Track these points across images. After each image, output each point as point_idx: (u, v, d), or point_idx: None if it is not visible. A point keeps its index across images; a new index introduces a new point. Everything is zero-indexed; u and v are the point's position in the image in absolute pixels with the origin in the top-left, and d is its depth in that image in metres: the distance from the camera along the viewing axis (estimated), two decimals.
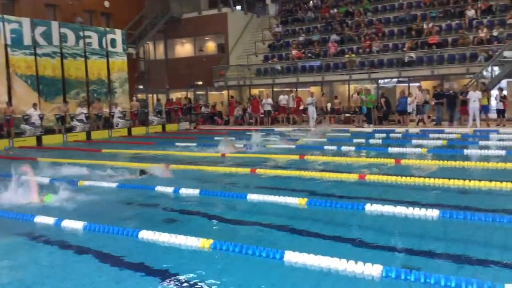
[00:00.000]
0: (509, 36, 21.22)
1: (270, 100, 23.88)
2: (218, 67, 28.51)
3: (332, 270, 4.37)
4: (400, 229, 5.74)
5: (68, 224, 6.21)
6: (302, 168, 9.99)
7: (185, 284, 4.23)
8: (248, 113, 24.72)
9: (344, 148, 13.35)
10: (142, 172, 9.56)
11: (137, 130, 22.76)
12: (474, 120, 18.65)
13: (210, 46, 32.26)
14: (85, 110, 21.79)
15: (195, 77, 29.75)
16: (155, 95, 30.86)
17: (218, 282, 4.25)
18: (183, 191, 8.02)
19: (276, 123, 23.76)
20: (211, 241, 5.17)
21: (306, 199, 7.03)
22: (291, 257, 4.66)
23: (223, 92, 29.03)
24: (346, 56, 24.77)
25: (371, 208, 6.45)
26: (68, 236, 5.90)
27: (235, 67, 28.57)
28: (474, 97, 18.43)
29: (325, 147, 13.83)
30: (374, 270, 4.24)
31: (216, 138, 18.36)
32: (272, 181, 9.15)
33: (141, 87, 31.31)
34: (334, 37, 26.66)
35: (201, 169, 10.43)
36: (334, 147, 13.53)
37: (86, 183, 9.09)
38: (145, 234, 5.58)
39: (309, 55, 26.41)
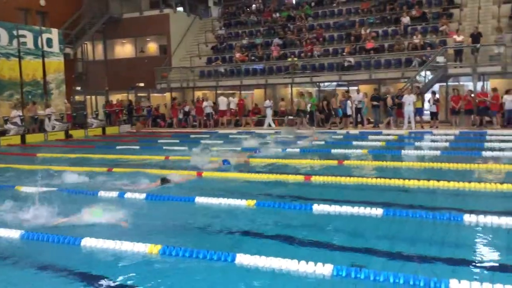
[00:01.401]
0: (441, 42, 22.41)
1: (210, 103, 23.83)
2: (160, 69, 28.02)
3: (284, 271, 4.40)
4: (346, 228, 5.89)
5: (3, 233, 5.86)
6: (249, 171, 10.01)
7: None
8: (192, 115, 24.49)
9: (289, 150, 13.53)
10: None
11: (76, 133, 21.90)
12: (409, 122, 19.53)
13: (152, 47, 31.67)
14: (19, 113, 20.69)
15: (136, 79, 29.08)
16: (93, 97, 29.85)
17: None
18: (129, 195, 7.80)
19: (220, 126, 23.68)
20: (159, 246, 5.06)
21: (254, 201, 7.05)
22: (243, 259, 4.65)
23: (165, 94, 28.57)
24: (289, 59, 25.16)
25: (318, 208, 6.58)
26: (4, 245, 5.57)
27: (178, 69, 28.23)
28: (409, 101, 19.30)
29: (270, 147, 13.92)
30: (325, 269, 4.31)
31: (159, 140, 18.08)
32: (219, 184, 9.10)
33: (79, 88, 30.19)
34: (276, 40, 27.01)
35: (145, 172, 10.18)
36: (279, 149, 13.68)
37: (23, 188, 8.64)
38: (88, 242, 5.37)
39: (253, 58, 26.59)
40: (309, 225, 6.07)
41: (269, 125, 22.48)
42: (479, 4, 24.25)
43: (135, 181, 8.84)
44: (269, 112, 22.75)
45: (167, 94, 27.86)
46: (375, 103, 20.64)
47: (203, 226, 6.17)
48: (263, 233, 5.73)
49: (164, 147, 15.48)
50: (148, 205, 7.41)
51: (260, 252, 4.69)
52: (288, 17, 29.07)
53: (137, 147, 16.02)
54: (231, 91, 25.28)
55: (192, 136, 19.84)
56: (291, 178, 9.24)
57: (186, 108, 24.60)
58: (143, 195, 7.73)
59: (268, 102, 22.85)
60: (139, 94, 29.79)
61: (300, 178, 9.13)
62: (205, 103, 23.73)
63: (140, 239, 5.29)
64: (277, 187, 8.68)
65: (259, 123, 23.81)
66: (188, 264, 4.74)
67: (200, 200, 7.34)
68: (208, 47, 29.59)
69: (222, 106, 23.72)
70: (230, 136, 19.07)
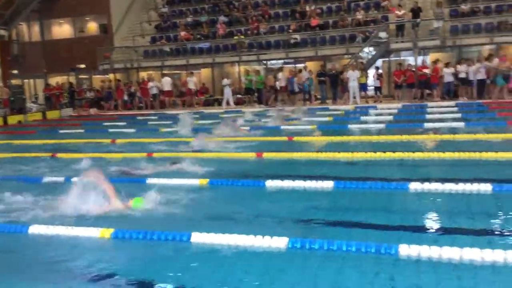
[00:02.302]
0: (384, 18, 22.94)
1: (156, 83, 23.25)
2: (102, 49, 26.99)
3: (241, 248, 4.42)
4: (298, 202, 5.97)
5: None
6: (201, 150, 9.93)
7: (89, 278, 4.00)
8: (138, 97, 23.88)
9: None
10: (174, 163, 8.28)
11: (13, 119, 20.82)
12: (354, 97, 19.99)
13: (92, 26, 30.42)
14: None
15: (77, 60, 27.93)
16: (32, 80, 28.46)
17: (126, 270, 4.09)
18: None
19: (171, 107, 23.21)
20: (111, 230, 4.94)
21: (207, 180, 7.01)
22: (198, 238, 4.63)
23: (108, 76, 27.64)
24: (235, 37, 24.95)
25: (272, 184, 6.63)
26: None
27: (121, 49, 27.34)
28: (353, 76, 19.71)
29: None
30: (280, 242, 4.37)
31: (105, 123, 17.56)
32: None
33: (15, 72, 28.63)
34: (222, 18, 26.66)
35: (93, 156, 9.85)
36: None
37: None
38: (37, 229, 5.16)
39: (198, 36, 26.16)
40: (262, 200, 6.11)
41: (228, 103, 22.10)
42: None
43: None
44: (227, 90, 22.09)
45: (111, 75, 26.97)
46: (321, 79, 20.93)
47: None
48: (217, 212, 5.72)
49: (110, 130, 15.05)
50: None
51: (215, 230, 4.68)
52: None
53: (82, 130, 15.48)
54: (192, 71, 24.43)
55: (139, 118, 19.40)
56: (243, 155, 9.25)
57: (132, 89, 23.95)
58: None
59: (226, 81, 22.16)
60: (80, 76, 28.67)
61: (252, 155, 9.14)
62: (150, 84, 23.15)
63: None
64: (230, 165, 8.64)
65: (208, 103, 23.61)
66: (142, 247, 4.67)
67: (151, 181, 7.19)
68: (151, 26, 28.79)
69: (167, 87, 23.19)
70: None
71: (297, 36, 23.75)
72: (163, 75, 24.38)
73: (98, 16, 29.44)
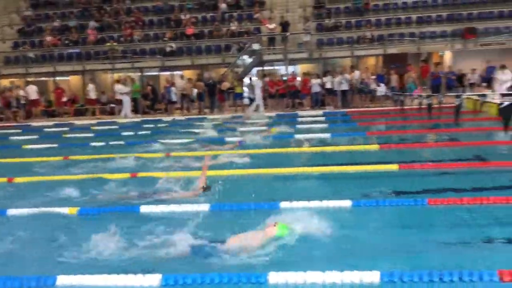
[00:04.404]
0: (256, 29, 23.80)
1: (22, 92, 21.46)
2: None
3: None
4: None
5: None
6: (68, 172, 9.29)
7: None
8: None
9: (113, 143, 13.00)
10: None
11: None
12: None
13: None
14: None
15: None
16: None
17: None
18: None
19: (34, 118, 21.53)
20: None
21: (77, 209, 6.60)
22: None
23: None
24: (108, 44, 24.01)
25: (146, 209, 6.49)
26: None
27: None
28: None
29: (92, 143, 13.18)
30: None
31: None
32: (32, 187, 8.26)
33: None
34: (93, 24, 25.47)
35: None
36: (102, 143, 13.04)
37: None
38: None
39: (66, 42, 24.68)
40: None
41: (126, 115, 20.44)
42: None
43: None
44: (126, 99, 20.44)
45: None
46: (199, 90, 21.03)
47: None
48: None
49: None
50: None
51: None
52: None
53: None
54: (43, 78, 22.93)
55: None
56: (115, 176, 8.82)
57: None
58: None
59: (123, 88, 20.49)
60: None
61: (126, 176, 8.79)
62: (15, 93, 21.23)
63: None
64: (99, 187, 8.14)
65: (79, 113, 22.41)
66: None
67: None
68: (13, 30, 26.46)
69: (33, 95, 21.51)
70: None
71: (173, 44, 23.62)
72: (28, 82, 22.53)
73: None
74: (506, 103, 8.39)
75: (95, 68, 24.15)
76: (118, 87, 20.70)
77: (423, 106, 15.78)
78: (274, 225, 4.84)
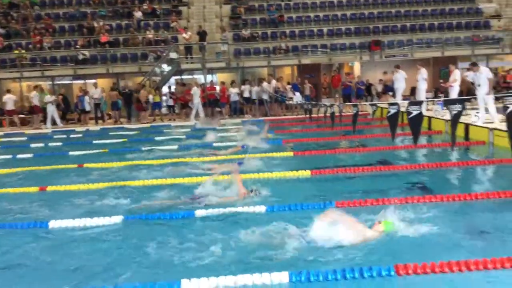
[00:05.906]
0: (173, 38, 23.68)
1: None
2: None
3: None
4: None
5: None
6: None
7: None
8: None
9: (20, 156, 12.30)
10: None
11: None
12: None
13: None
14: None
15: None
16: None
17: None
18: None
19: None
20: None
21: None
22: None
23: None
24: (15, 51, 22.69)
25: (55, 224, 6.26)
26: None
27: None
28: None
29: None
30: None
31: None
32: None
33: None
34: None
35: None
36: (9, 156, 12.30)
37: None
38: None
39: None
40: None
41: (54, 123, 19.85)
42: (204, 3, 26.51)
43: None
44: (51, 108, 19.89)
45: None
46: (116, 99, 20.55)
47: None
48: None
49: None
50: None
51: None
52: (11, 4, 26.11)
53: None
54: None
55: None
56: (22, 190, 8.43)
57: None
58: None
59: (49, 97, 20.03)
60: None
61: (34, 189, 8.39)
62: None
63: None
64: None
65: None
66: None
67: None
68: None
69: None
70: None
71: (86, 52, 22.83)
72: None
73: None
74: (392, 111, 8.99)
75: (2, 77, 22.70)
76: (47, 97, 20.09)
77: (327, 115, 16.41)
78: (380, 223, 5.19)
